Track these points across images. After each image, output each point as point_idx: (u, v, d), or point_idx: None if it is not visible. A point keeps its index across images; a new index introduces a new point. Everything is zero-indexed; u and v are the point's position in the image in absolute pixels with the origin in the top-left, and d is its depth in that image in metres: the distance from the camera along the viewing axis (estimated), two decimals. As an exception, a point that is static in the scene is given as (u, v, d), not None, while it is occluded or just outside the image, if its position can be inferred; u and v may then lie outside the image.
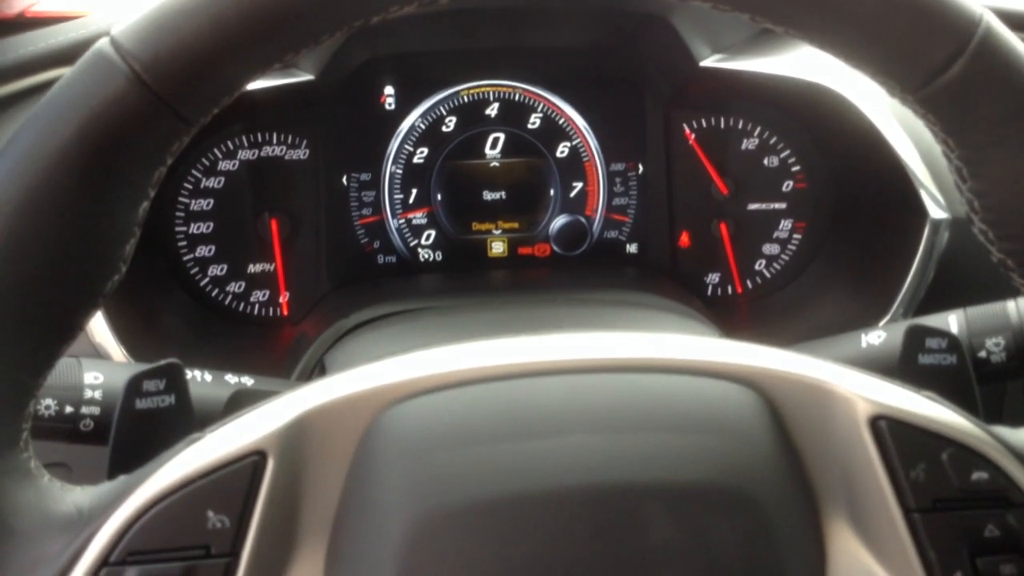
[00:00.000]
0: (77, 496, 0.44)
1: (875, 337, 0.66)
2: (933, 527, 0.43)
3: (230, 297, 0.97)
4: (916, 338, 0.56)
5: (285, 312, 0.98)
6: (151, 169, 0.42)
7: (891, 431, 0.45)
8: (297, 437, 0.44)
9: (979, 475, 0.44)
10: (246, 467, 0.43)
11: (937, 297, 0.82)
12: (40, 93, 0.76)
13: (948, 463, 0.44)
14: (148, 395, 0.51)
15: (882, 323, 0.83)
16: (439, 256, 1.01)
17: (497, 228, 1.01)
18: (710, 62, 0.89)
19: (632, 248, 1.02)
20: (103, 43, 0.40)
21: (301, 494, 0.44)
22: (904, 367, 0.56)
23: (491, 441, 0.44)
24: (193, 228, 0.96)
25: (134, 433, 0.50)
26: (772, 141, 0.99)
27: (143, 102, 0.40)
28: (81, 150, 0.40)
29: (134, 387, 0.51)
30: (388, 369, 0.46)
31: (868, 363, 0.64)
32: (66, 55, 0.74)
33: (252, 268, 0.97)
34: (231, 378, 0.64)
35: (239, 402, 0.63)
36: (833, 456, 0.46)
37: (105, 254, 0.43)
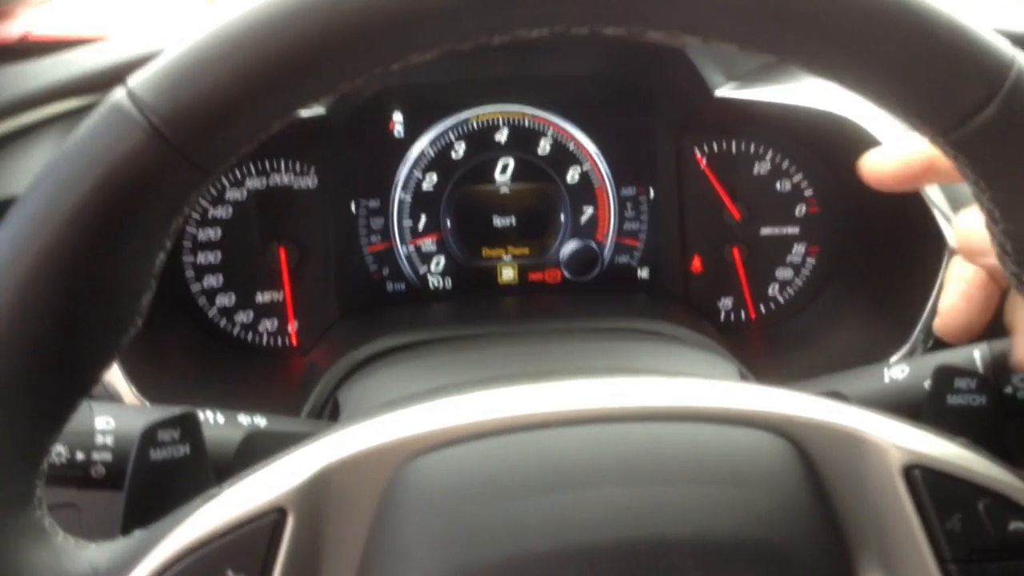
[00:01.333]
0: (92, 555, 0.43)
1: (898, 372, 0.65)
2: None
3: (238, 327, 0.97)
4: (944, 378, 0.55)
5: (294, 342, 0.97)
6: (168, 220, 0.42)
7: (925, 480, 0.44)
8: (317, 492, 0.43)
9: (1017, 525, 0.43)
10: (266, 525, 0.42)
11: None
12: (60, 122, 0.76)
13: (985, 513, 0.43)
14: (163, 445, 0.50)
15: (900, 353, 0.83)
16: (449, 283, 1.00)
17: (507, 254, 1.00)
18: (724, 91, 0.88)
19: (643, 273, 1.01)
20: (120, 95, 0.39)
21: (322, 551, 0.43)
22: (932, 408, 0.55)
23: (518, 495, 0.43)
24: (200, 258, 0.95)
25: (149, 485, 0.49)
26: (784, 165, 0.98)
27: (162, 155, 0.39)
28: (98, 206, 0.39)
29: (149, 438, 0.50)
30: (410, 419, 0.45)
31: (892, 399, 0.63)
32: (76, 87, 0.73)
33: (260, 297, 0.96)
34: (244, 419, 0.63)
35: (252, 445, 0.62)
36: (866, 506, 0.45)
37: (121, 308, 0.42)
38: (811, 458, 0.45)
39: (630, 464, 0.44)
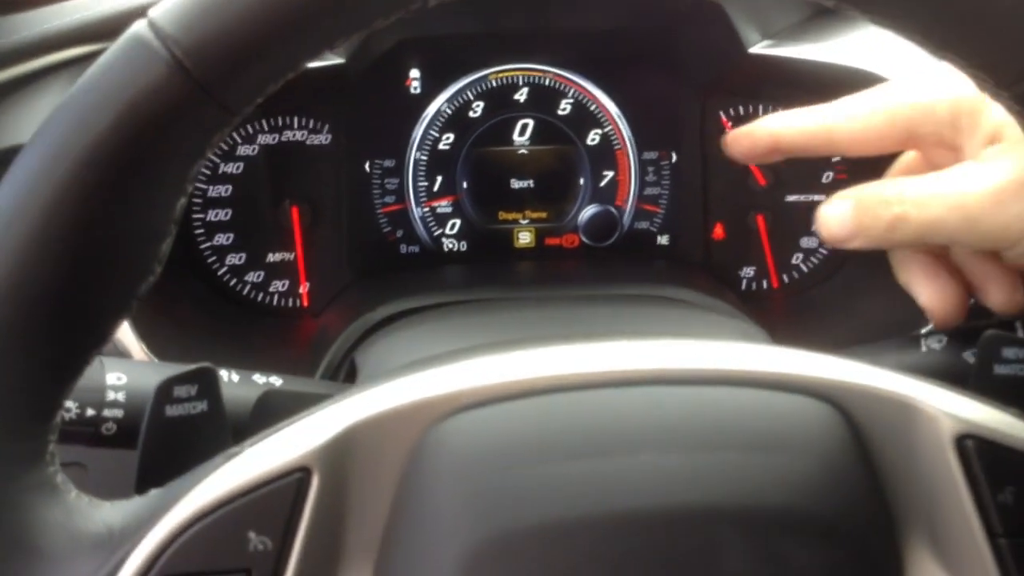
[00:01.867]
0: (107, 513, 0.41)
1: (935, 342, 0.63)
2: (1021, 553, 0.41)
3: (248, 287, 0.94)
4: (992, 347, 0.53)
5: (305, 303, 0.95)
6: (190, 163, 0.39)
7: (978, 451, 0.42)
8: (343, 452, 0.41)
9: None
10: (289, 485, 0.40)
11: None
12: (68, 69, 0.73)
13: None
14: (179, 401, 0.48)
15: (931, 324, 0.80)
16: (464, 246, 0.98)
17: (524, 218, 0.98)
18: (759, 48, 0.85)
19: (663, 239, 0.99)
20: (140, 26, 0.37)
21: (347, 513, 0.41)
22: (979, 378, 0.53)
23: (553, 459, 0.41)
24: (211, 215, 0.92)
25: (164, 442, 0.48)
26: (812, 130, 0.95)
27: (184, 91, 0.37)
28: (116, 144, 0.37)
29: (164, 393, 0.48)
30: (441, 378, 0.43)
31: (930, 369, 0.61)
32: (97, 31, 0.71)
33: (271, 257, 0.94)
34: (259, 378, 0.61)
35: (268, 404, 0.60)
36: (915, 477, 0.43)
37: (139, 255, 0.40)
38: (859, 426, 0.43)
39: (671, 429, 0.42)
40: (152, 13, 0.37)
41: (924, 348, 0.63)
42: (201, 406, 0.48)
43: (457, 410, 0.42)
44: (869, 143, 0.65)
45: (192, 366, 0.49)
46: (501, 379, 0.43)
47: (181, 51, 0.37)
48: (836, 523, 0.41)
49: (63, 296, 0.38)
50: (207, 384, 0.49)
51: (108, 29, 0.71)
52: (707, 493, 0.40)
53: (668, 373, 0.43)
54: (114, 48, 0.38)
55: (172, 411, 0.48)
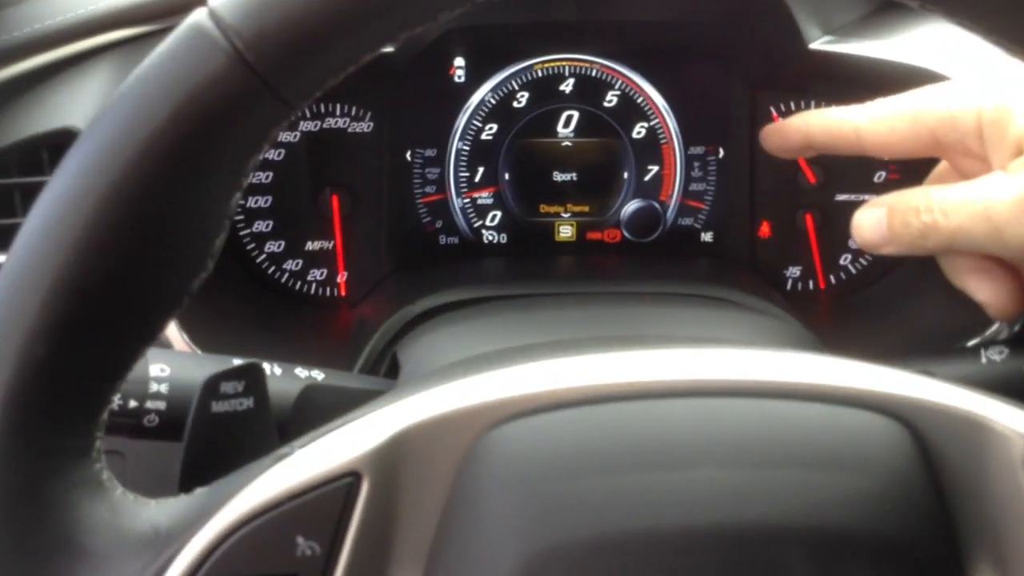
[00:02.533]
0: (153, 512, 0.40)
1: (996, 353, 0.61)
2: None
3: (286, 275, 0.94)
4: None
5: (343, 292, 0.94)
6: (247, 157, 0.38)
7: None
8: (394, 457, 0.40)
9: None
10: (339, 489, 0.39)
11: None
12: (115, 50, 0.72)
13: None
14: (225, 398, 0.47)
15: (985, 333, 0.78)
16: (504, 238, 0.96)
17: (566, 211, 0.96)
18: (819, 44, 0.82)
19: (707, 236, 0.97)
20: (201, 15, 0.36)
21: (396, 520, 0.40)
22: None
23: (610, 471, 0.40)
24: (251, 202, 0.92)
25: (210, 439, 0.47)
26: (865, 128, 0.93)
27: (244, 84, 0.36)
28: (174, 136, 0.36)
29: (211, 389, 0.47)
30: (496, 382, 0.42)
31: (989, 383, 0.59)
32: (144, 13, 0.70)
33: (310, 245, 0.93)
34: (301, 371, 0.60)
35: (310, 399, 0.59)
36: (984, 498, 0.41)
37: (194, 250, 0.39)
38: (927, 444, 0.42)
39: (733, 443, 0.40)
40: (212, 3, 0.36)
41: (984, 360, 0.61)
42: (248, 403, 0.47)
43: (512, 416, 0.41)
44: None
45: (239, 362, 0.48)
46: (558, 386, 0.41)
47: (242, 42, 0.36)
48: (901, 544, 0.39)
49: (115, 291, 0.37)
50: (254, 380, 0.48)
51: (155, 11, 0.70)
52: (768, 511, 0.39)
53: (732, 384, 0.42)
54: (173, 37, 0.37)
55: (218, 407, 0.47)
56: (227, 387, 0.47)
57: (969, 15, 0.39)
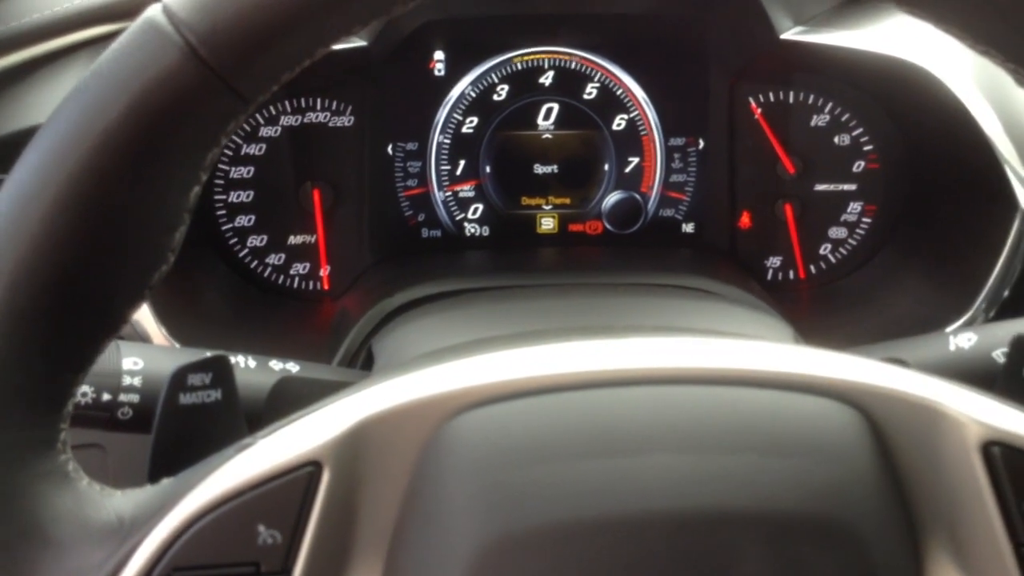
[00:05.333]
0: (118, 502, 0.41)
1: (964, 340, 0.61)
2: None
3: (269, 269, 0.94)
4: (1021, 350, 0.52)
5: (326, 286, 0.95)
6: (204, 151, 0.39)
7: (1004, 458, 0.41)
8: (354, 446, 0.40)
9: None
10: (300, 479, 0.39)
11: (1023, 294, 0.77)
12: (85, 49, 0.73)
13: None
14: (193, 390, 0.48)
15: (961, 321, 0.79)
16: (486, 231, 0.97)
17: (547, 203, 0.96)
18: (791, 35, 0.83)
19: (688, 228, 0.97)
20: (155, 11, 0.36)
21: (357, 509, 0.41)
22: (1008, 381, 0.52)
23: (566, 458, 0.40)
24: (233, 197, 0.92)
25: (177, 430, 0.47)
26: (844, 118, 0.93)
27: (198, 78, 0.36)
28: (129, 131, 0.36)
29: (178, 381, 0.47)
30: (455, 373, 0.42)
31: (957, 369, 0.60)
32: (114, 11, 0.70)
33: (293, 239, 0.94)
34: (276, 364, 0.61)
35: (284, 391, 0.59)
36: (939, 483, 0.42)
37: (153, 243, 0.39)
38: (882, 430, 0.42)
39: (688, 430, 0.41)
40: (167, -1, 0.37)
41: (953, 347, 0.61)
42: (215, 395, 0.48)
43: (471, 406, 0.41)
44: None
45: (207, 354, 0.48)
46: (515, 375, 0.42)
47: (196, 38, 0.36)
48: (855, 528, 0.40)
49: (75, 283, 0.37)
50: (221, 373, 0.48)
51: (125, 9, 0.71)
52: (723, 496, 0.39)
53: (687, 372, 0.42)
54: (128, 33, 0.37)
55: (186, 399, 0.47)
56: (195, 379, 0.47)
57: (925, 8, 0.39)
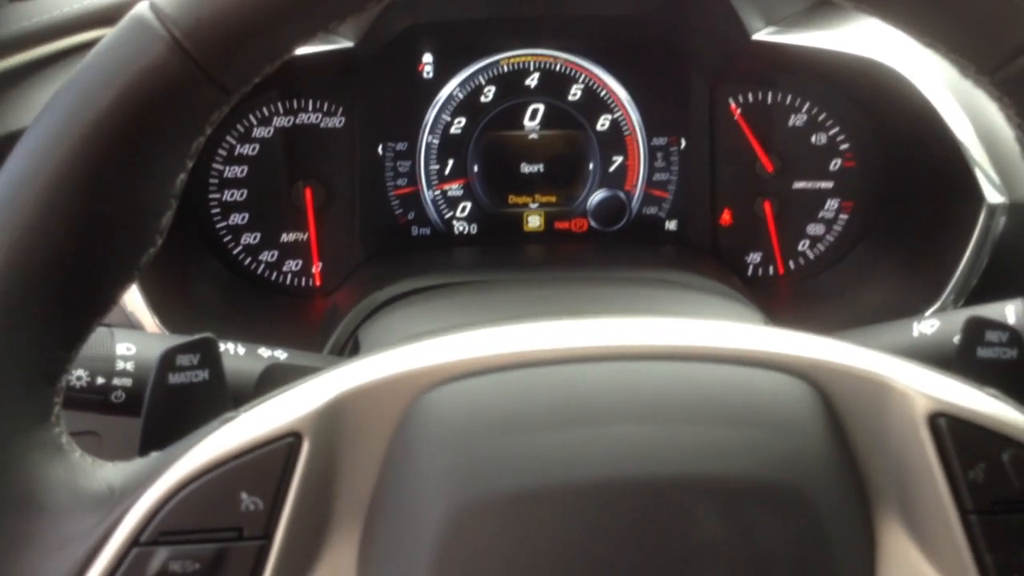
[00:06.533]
0: (108, 473, 0.43)
1: (928, 326, 0.64)
2: (991, 530, 0.42)
3: (263, 266, 0.97)
4: (975, 330, 0.54)
5: (318, 282, 0.97)
6: (189, 140, 0.41)
7: (950, 429, 0.43)
8: (333, 419, 0.43)
9: None
10: (281, 448, 0.42)
11: (991, 285, 0.79)
12: (77, 54, 0.75)
13: (1009, 464, 0.42)
14: (181, 370, 0.50)
15: (931, 311, 0.81)
16: (474, 229, 0.99)
17: (534, 202, 0.99)
18: (762, 35, 0.85)
19: (671, 225, 1.00)
20: (142, 7, 0.39)
21: (336, 477, 0.43)
22: (962, 360, 0.54)
23: (534, 429, 0.42)
24: (227, 195, 0.95)
25: (166, 408, 0.49)
26: (821, 118, 0.96)
27: (183, 70, 0.39)
28: (117, 120, 0.38)
29: (167, 361, 0.50)
30: (429, 350, 0.45)
31: (920, 353, 0.62)
32: (104, 16, 0.73)
33: (285, 237, 0.96)
34: (264, 351, 0.63)
35: (272, 377, 0.62)
36: (888, 453, 0.44)
37: (140, 227, 0.41)
38: (833, 403, 0.44)
39: (648, 402, 0.43)
40: (154, -5, 0.39)
41: (916, 333, 0.63)
42: (203, 375, 0.50)
43: (444, 380, 0.44)
44: None
45: (195, 336, 0.51)
46: (486, 352, 0.44)
47: (180, 32, 0.38)
48: (807, 496, 0.42)
49: (67, 264, 0.40)
50: (208, 353, 0.50)
51: (116, 14, 0.73)
52: (681, 464, 0.41)
53: (648, 349, 0.45)
54: (117, 28, 0.40)
55: (175, 379, 0.50)
56: (183, 360, 0.50)
57: (869, 3, 0.41)
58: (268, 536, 0.41)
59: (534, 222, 0.99)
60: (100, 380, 0.57)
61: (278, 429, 0.42)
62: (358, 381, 0.44)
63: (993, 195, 0.78)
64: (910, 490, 0.44)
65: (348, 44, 0.87)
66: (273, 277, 0.97)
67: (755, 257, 0.99)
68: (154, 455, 0.44)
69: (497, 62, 0.96)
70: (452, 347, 0.45)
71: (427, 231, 0.99)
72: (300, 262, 0.97)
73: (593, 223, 0.99)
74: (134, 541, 0.40)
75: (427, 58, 0.96)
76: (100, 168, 0.39)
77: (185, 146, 0.41)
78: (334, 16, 0.40)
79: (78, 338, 0.42)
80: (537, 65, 0.97)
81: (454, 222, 0.99)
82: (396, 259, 0.95)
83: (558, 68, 0.97)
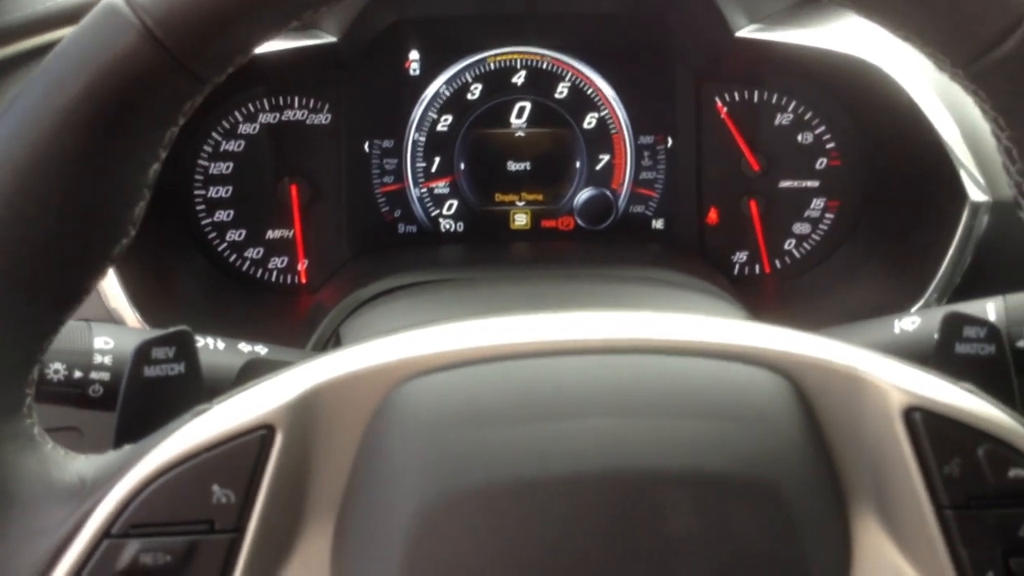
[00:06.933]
0: (81, 465, 0.43)
1: (909, 323, 0.64)
2: (966, 525, 0.42)
3: (248, 263, 0.96)
4: (953, 326, 0.54)
5: (303, 280, 0.97)
6: (162, 129, 0.41)
7: (925, 423, 0.43)
8: (307, 411, 0.43)
9: (1017, 472, 0.42)
10: (253, 441, 0.41)
11: (974, 283, 0.79)
12: (44, 54, 0.75)
13: (984, 459, 0.42)
14: (157, 363, 0.50)
15: (915, 308, 0.81)
16: (460, 227, 0.99)
17: (521, 200, 0.99)
18: (746, 32, 0.86)
19: (658, 224, 1.00)
20: None
21: (309, 470, 0.43)
22: (940, 356, 0.54)
23: (506, 422, 0.42)
24: (212, 192, 0.94)
25: (141, 401, 0.49)
26: (807, 117, 0.96)
27: (155, 59, 0.38)
28: (89, 109, 0.38)
29: (143, 354, 0.49)
30: (403, 343, 0.44)
31: (901, 350, 0.62)
32: (77, 14, 0.72)
33: (271, 234, 0.96)
34: (244, 346, 0.63)
35: (252, 371, 0.61)
36: (863, 448, 0.44)
37: (113, 217, 0.41)
38: (808, 397, 0.44)
39: (622, 395, 0.43)
40: (125, -19, 0.39)
41: (897, 330, 0.63)
42: (178, 368, 0.50)
43: (418, 374, 0.44)
44: None
45: (171, 329, 0.50)
46: (459, 345, 0.44)
47: (152, 20, 0.38)
48: (781, 489, 0.42)
49: (36, 255, 0.40)
50: (184, 347, 0.50)
51: (83, 13, 0.73)
52: (654, 457, 0.41)
53: (622, 342, 0.45)
54: (89, 16, 0.39)
55: (150, 372, 0.50)
56: (158, 352, 0.50)
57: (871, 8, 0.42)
58: (240, 529, 0.41)
59: (521, 220, 0.99)
60: (77, 374, 0.56)
61: (251, 422, 0.42)
62: (332, 374, 0.43)
63: (976, 193, 0.78)
64: (885, 485, 0.43)
65: (331, 39, 0.86)
66: (258, 274, 0.97)
67: (741, 256, 0.99)
68: (127, 448, 0.44)
69: (484, 59, 0.96)
70: (426, 340, 0.45)
71: (413, 229, 0.99)
72: (285, 259, 0.97)
73: (580, 221, 0.99)
74: (105, 533, 0.40)
75: (413, 55, 0.96)
76: (70, 158, 0.39)
77: (158, 136, 0.41)
78: (306, 6, 0.40)
79: (50, 329, 0.42)
80: (524, 63, 0.97)
81: (440, 220, 0.99)
82: (382, 256, 0.95)
83: (545, 66, 0.97)
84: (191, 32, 0.39)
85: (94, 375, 0.57)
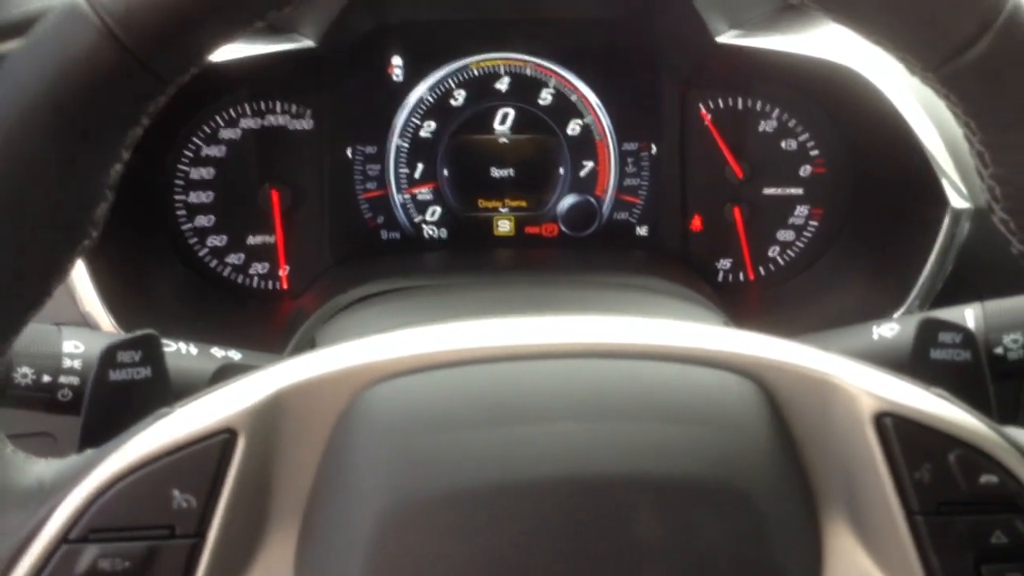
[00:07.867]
0: (40, 469, 0.42)
1: (887, 330, 0.63)
2: (937, 531, 0.41)
3: (229, 269, 0.96)
4: (929, 332, 0.53)
5: (285, 286, 0.96)
6: (124, 130, 0.40)
7: (896, 429, 0.42)
8: (270, 415, 0.42)
9: (988, 478, 0.41)
10: (215, 445, 0.41)
11: (956, 290, 0.79)
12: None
13: (955, 464, 0.42)
14: (123, 366, 0.49)
15: (896, 315, 0.81)
16: (444, 233, 0.99)
17: (504, 206, 0.98)
18: (727, 38, 0.85)
19: (642, 230, 0.99)
20: None
21: (273, 475, 0.42)
22: (915, 361, 0.53)
23: (472, 426, 0.42)
24: (193, 197, 0.94)
25: (107, 405, 0.49)
26: (791, 124, 0.96)
27: (116, 59, 0.38)
28: (49, 109, 0.38)
29: (108, 358, 0.49)
30: (368, 347, 0.44)
31: (879, 356, 0.61)
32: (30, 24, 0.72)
33: (252, 240, 0.95)
34: (218, 351, 0.62)
35: (224, 376, 0.61)
36: (834, 453, 0.44)
37: (74, 219, 0.41)
38: (778, 402, 0.44)
39: (588, 400, 0.43)
40: (86, -18, 0.38)
41: (876, 336, 0.63)
42: (145, 372, 0.49)
43: (383, 377, 0.43)
44: None
45: (137, 332, 0.50)
46: (425, 349, 0.44)
47: (113, 20, 0.38)
48: (750, 494, 0.41)
49: None
50: (151, 351, 0.50)
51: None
52: (621, 462, 0.41)
53: (591, 347, 0.44)
54: (51, 15, 0.39)
55: (116, 376, 0.49)
56: (124, 356, 0.49)
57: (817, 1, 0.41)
58: (201, 534, 0.40)
59: (504, 227, 0.99)
60: (46, 378, 0.56)
61: (213, 425, 0.41)
62: (296, 378, 0.43)
63: (958, 200, 0.78)
64: (856, 490, 0.43)
65: (310, 43, 0.86)
66: (239, 280, 0.96)
67: (725, 263, 0.99)
68: (88, 451, 0.43)
69: (467, 66, 0.96)
70: (392, 344, 0.44)
71: (396, 235, 0.98)
72: (267, 265, 0.96)
73: (563, 228, 0.98)
74: (63, 538, 0.39)
75: (396, 60, 0.95)
76: (30, 160, 0.38)
77: (119, 137, 0.41)
78: (270, 6, 0.40)
79: (9, 333, 0.41)
80: (507, 69, 0.97)
81: (424, 226, 0.98)
82: (364, 263, 0.94)
83: (528, 72, 0.97)
84: (153, 32, 0.38)
85: (63, 379, 0.56)
